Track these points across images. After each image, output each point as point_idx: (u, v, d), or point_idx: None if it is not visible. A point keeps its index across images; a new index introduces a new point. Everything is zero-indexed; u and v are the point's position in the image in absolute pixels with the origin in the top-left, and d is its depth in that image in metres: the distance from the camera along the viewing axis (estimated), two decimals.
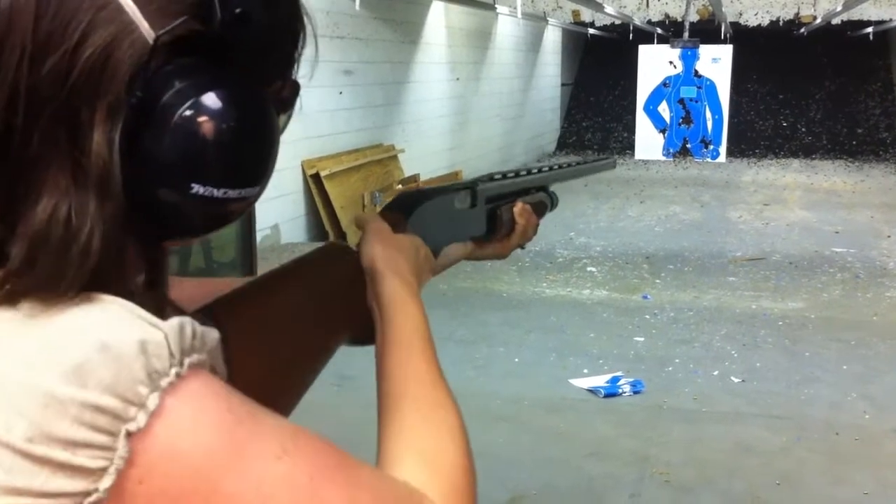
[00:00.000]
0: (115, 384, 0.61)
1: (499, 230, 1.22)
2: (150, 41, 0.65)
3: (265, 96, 0.71)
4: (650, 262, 8.42)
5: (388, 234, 0.99)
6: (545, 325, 6.38)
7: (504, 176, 1.24)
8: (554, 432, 4.52)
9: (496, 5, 12.81)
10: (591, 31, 17.81)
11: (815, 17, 15.69)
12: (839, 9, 12.98)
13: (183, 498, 0.63)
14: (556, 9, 16.04)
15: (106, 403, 0.61)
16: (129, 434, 0.62)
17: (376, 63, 10.07)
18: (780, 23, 16.42)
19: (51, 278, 0.63)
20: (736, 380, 5.28)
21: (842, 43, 18.32)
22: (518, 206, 1.24)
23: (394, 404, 0.85)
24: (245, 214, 0.76)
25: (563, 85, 19.81)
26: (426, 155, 11.43)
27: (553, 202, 1.35)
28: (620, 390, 5.06)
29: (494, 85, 14.74)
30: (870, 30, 16.24)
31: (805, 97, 19.42)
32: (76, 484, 0.61)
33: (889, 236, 9.71)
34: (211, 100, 0.66)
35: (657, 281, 7.73)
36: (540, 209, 1.30)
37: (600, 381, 5.19)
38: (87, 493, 0.62)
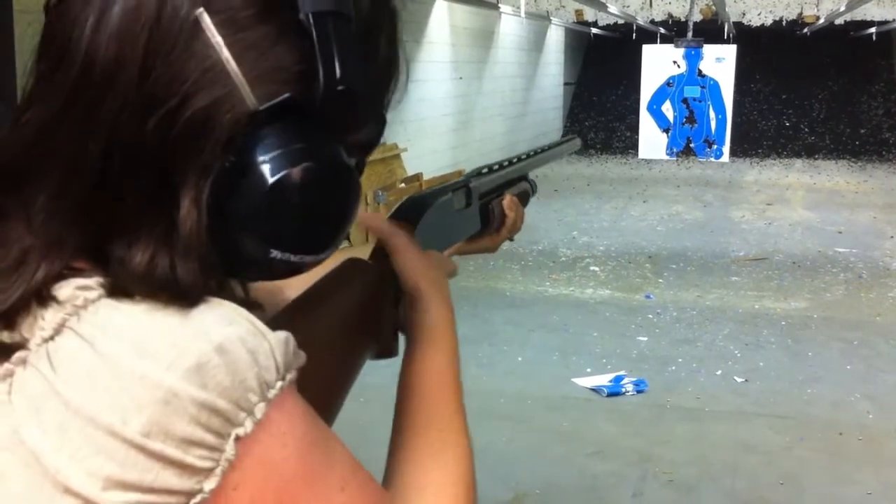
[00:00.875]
0: (231, 388, 0.63)
1: (491, 225, 1.22)
2: (252, 107, 0.65)
3: (353, 169, 0.71)
4: (653, 262, 8.42)
5: (420, 249, 0.98)
6: (548, 323, 6.38)
7: (490, 169, 1.23)
8: (557, 431, 4.53)
9: (499, 4, 12.81)
10: (595, 30, 17.81)
11: (818, 17, 15.69)
12: (842, 9, 12.98)
13: None
14: (560, 8, 16.04)
15: (221, 406, 0.63)
16: (237, 438, 0.63)
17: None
18: (784, 23, 16.42)
19: (157, 297, 0.65)
20: (739, 379, 5.28)
21: (845, 43, 18.30)
22: (507, 199, 1.24)
23: (419, 440, 0.85)
24: None
25: (565, 84, 19.81)
26: (429, 154, 11.43)
27: (534, 189, 1.35)
28: (623, 389, 5.06)
29: (497, 84, 14.75)
30: (873, 30, 16.22)
31: (808, 97, 19.41)
32: (184, 482, 0.62)
33: (892, 237, 9.71)
34: (300, 174, 0.66)
35: (660, 280, 7.73)
36: (524, 198, 1.30)
37: (603, 380, 5.20)
38: (192, 494, 0.63)
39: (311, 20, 0.67)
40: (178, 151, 0.65)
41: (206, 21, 0.65)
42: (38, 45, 0.68)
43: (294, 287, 0.92)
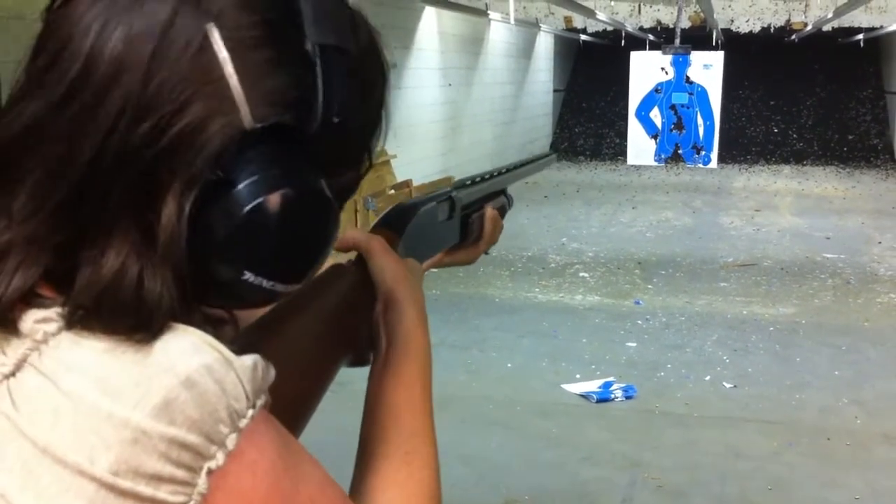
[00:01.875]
0: (200, 421, 0.63)
1: (470, 237, 1.23)
2: (247, 125, 0.66)
3: (334, 201, 0.72)
4: (642, 268, 8.44)
5: (397, 256, 0.97)
6: (537, 330, 6.39)
7: (473, 181, 1.24)
8: (546, 437, 4.53)
9: (488, 11, 12.83)
10: (584, 37, 17.85)
11: (806, 24, 15.75)
12: (830, 16, 13.03)
13: None
14: (549, 15, 16.07)
15: (192, 441, 0.62)
16: (209, 471, 0.63)
17: (392, 66, 10.05)
18: (772, 29, 16.48)
19: (118, 326, 0.64)
20: (728, 385, 5.29)
21: (833, 50, 18.38)
22: (488, 212, 1.24)
23: (385, 448, 0.85)
24: None
25: (555, 91, 19.84)
26: (418, 160, 11.43)
27: (510, 203, 1.36)
28: (612, 395, 5.07)
29: (487, 91, 14.76)
30: (860, 37, 16.30)
31: (796, 104, 19.48)
32: None
33: (880, 242, 9.75)
34: (284, 198, 0.67)
35: (649, 286, 7.75)
36: (501, 212, 1.31)
37: (592, 386, 5.20)
38: None
39: (317, 50, 0.69)
40: (168, 158, 0.65)
41: (215, 36, 0.66)
42: (35, 44, 0.68)
43: None
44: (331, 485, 0.72)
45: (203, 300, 0.70)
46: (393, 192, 9.35)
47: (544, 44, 18.45)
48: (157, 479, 0.61)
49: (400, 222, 1.05)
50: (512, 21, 12.87)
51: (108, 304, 0.64)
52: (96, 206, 0.65)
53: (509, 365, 5.62)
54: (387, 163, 10.37)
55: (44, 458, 0.60)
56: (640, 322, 6.62)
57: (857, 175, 16.35)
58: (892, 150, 18.07)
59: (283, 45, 0.68)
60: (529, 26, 15.78)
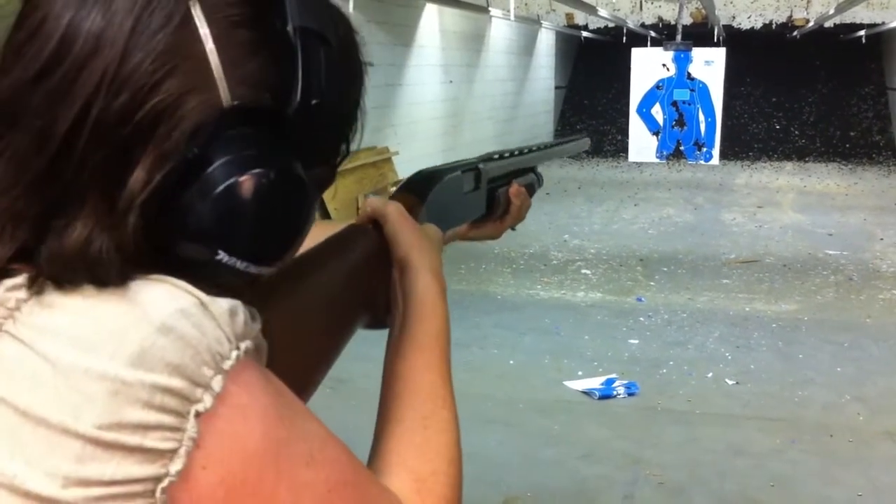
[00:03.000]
0: (181, 365, 0.62)
1: (496, 211, 1.22)
2: (224, 104, 0.66)
3: (311, 185, 0.71)
4: (644, 265, 8.43)
5: (414, 222, 0.97)
6: (539, 327, 6.38)
7: (501, 156, 1.23)
8: (548, 434, 4.52)
9: (490, 8, 12.82)
10: (585, 33, 17.83)
11: (807, 21, 15.73)
12: (831, 12, 13.02)
13: (235, 487, 0.64)
14: (550, 11, 16.05)
15: (174, 384, 0.62)
16: (197, 414, 0.62)
17: (369, 66, 10.05)
18: (773, 26, 16.46)
19: (83, 288, 0.64)
20: (730, 382, 5.28)
21: (834, 46, 18.36)
22: (514, 188, 1.24)
23: (402, 412, 0.84)
24: None
25: (556, 87, 19.83)
26: (420, 157, 11.43)
27: (540, 182, 1.35)
28: (614, 392, 5.06)
29: (488, 87, 14.75)
30: (862, 33, 16.27)
31: (798, 100, 19.46)
32: (147, 469, 0.61)
33: (882, 239, 9.73)
34: (259, 179, 0.66)
35: (651, 283, 7.74)
36: (530, 190, 1.30)
37: (594, 383, 5.20)
38: (159, 479, 0.62)
39: (299, 34, 0.69)
40: (144, 133, 0.64)
41: (197, 11, 0.66)
42: (17, 19, 0.68)
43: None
44: (332, 441, 0.71)
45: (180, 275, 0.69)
46: (394, 189, 9.35)
47: (545, 40, 18.43)
48: (143, 427, 0.61)
49: (423, 188, 1.04)
50: (513, 18, 12.86)
51: (71, 271, 0.63)
52: (71, 179, 0.64)
53: (511, 362, 5.61)
54: (388, 160, 10.37)
55: (27, 422, 0.60)
56: (642, 319, 6.61)
57: (859, 171, 16.33)
58: (895, 146, 18.06)
59: (265, 27, 0.69)
60: (531, 23, 15.77)
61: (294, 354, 0.71)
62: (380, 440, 0.82)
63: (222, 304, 0.65)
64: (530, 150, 1.30)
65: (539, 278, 7.85)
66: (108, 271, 0.64)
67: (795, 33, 16.68)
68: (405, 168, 10.52)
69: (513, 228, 1.28)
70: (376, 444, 0.82)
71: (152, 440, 0.61)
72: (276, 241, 0.70)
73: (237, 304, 0.66)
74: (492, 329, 6.25)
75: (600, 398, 4.99)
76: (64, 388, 0.60)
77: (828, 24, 15.47)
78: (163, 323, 0.62)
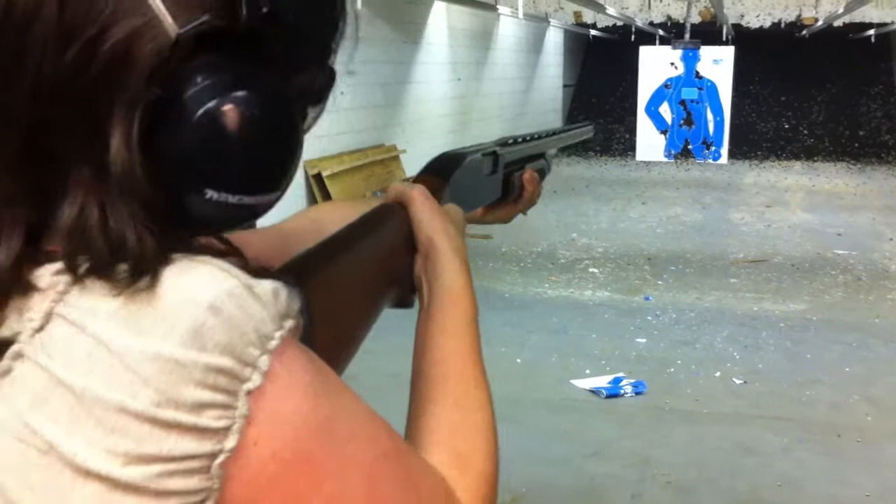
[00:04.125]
0: (230, 345, 0.62)
1: (510, 196, 1.23)
2: (172, 35, 0.63)
3: (290, 99, 0.69)
4: (652, 264, 8.42)
5: (438, 204, 0.97)
6: (547, 325, 6.37)
7: (514, 140, 1.24)
8: (555, 433, 4.52)
9: (498, 6, 12.81)
10: (593, 32, 17.81)
11: (816, 20, 15.69)
12: (841, 11, 12.98)
13: (286, 462, 0.64)
14: (558, 10, 16.04)
15: (225, 364, 0.62)
16: (248, 393, 0.63)
17: (378, 63, 10.06)
18: (782, 25, 16.42)
19: (104, 272, 0.63)
20: (738, 381, 5.28)
21: (844, 45, 18.29)
22: (528, 174, 1.25)
23: (436, 394, 0.84)
24: None
25: (564, 86, 19.81)
26: (427, 155, 11.26)
27: (549, 167, 1.36)
28: (622, 391, 5.06)
29: (496, 86, 14.74)
30: (871, 32, 16.23)
31: (807, 99, 19.41)
32: (203, 446, 0.62)
33: (891, 239, 9.70)
34: (230, 103, 0.64)
35: (659, 282, 7.73)
36: (541, 175, 1.31)
37: (602, 381, 5.19)
38: (214, 455, 0.62)
39: None
40: (101, 86, 0.63)
41: None
42: None
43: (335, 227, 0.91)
44: (372, 416, 0.71)
45: (178, 229, 0.67)
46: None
47: (554, 39, 18.42)
48: (199, 406, 0.61)
49: (447, 169, 1.05)
50: (521, 16, 12.85)
51: (82, 250, 0.63)
52: (46, 149, 0.64)
53: (518, 360, 5.61)
54: (396, 158, 10.37)
55: (85, 403, 0.61)
56: (649, 318, 6.60)
57: (868, 171, 16.28)
58: None
59: None
60: (539, 21, 15.75)
61: (327, 332, 0.71)
62: (415, 421, 0.82)
63: (266, 286, 0.65)
64: (540, 136, 1.32)
65: (547, 277, 7.84)
66: (138, 258, 0.63)
67: (804, 32, 16.64)
68: (413, 166, 10.52)
69: (524, 213, 1.29)
70: (412, 426, 0.82)
71: (207, 418, 0.62)
72: (262, 165, 0.68)
73: (279, 284, 0.66)
74: (499, 327, 6.24)
75: (607, 397, 4.99)
76: (119, 368, 0.61)
77: (837, 22, 15.42)
78: (211, 304, 0.62)
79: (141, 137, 0.63)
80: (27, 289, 0.63)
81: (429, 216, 0.94)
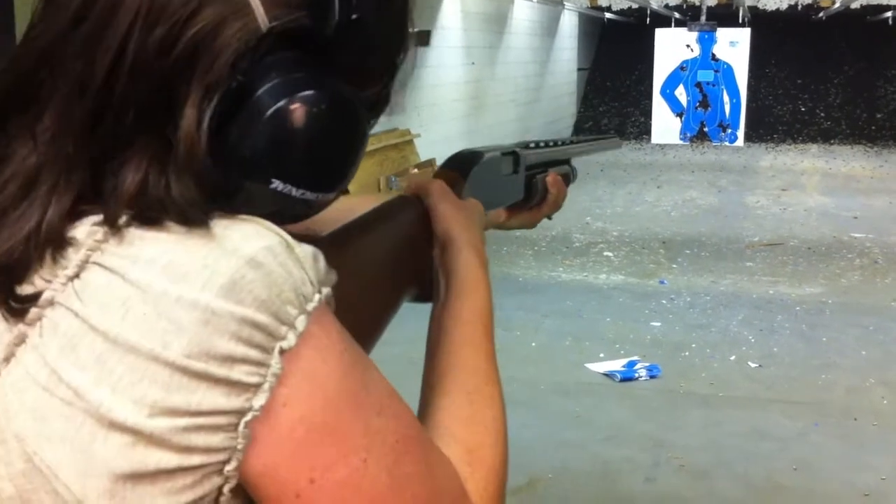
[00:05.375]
0: (269, 301, 0.62)
1: (533, 199, 1.22)
2: (263, 28, 0.65)
3: (361, 104, 0.71)
4: (667, 247, 8.39)
5: (456, 198, 0.97)
6: (561, 309, 6.37)
7: (537, 145, 1.23)
8: (570, 416, 4.52)
9: None
10: (608, 15, 17.74)
11: (833, 2, 15.58)
12: None
13: (314, 426, 0.64)
14: None
15: (262, 320, 0.62)
16: (281, 351, 0.63)
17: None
18: (799, 7, 16.33)
19: (149, 222, 0.64)
20: (753, 365, 5.26)
21: (861, 27, 18.16)
22: (551, 177, 1.24)
23: (447, 387, 0.83)
24: None
25: (579, 69, 19.72)
26: (441, 140, 11.41)
27: (574, 176, 1.35)
28: (637, 375, 5.05)
29: (510, 69, 14.70)
30: (889, 14, 16.10)
31: (824, 82, 19.27)
32: (232, 401, 0.62)
33: None
34: (308, 100, 0.66)
35: (674, 266, 7.71)
36: (566, 181, 1.30)
37: (616, 365, 5.19)
38: (242, 412, 0.62)
39: None
40: (183, 67, 0.64)
41: None
42: None
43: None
44: (397, 396, 0.71)
45: (235, 214, 0.69)
46: (416, 171, 9.34)
47: (568, 22, 18.34)
48: (231, 359, 0.61)
49: (465, 165, 1.05)
50: None
51: (140, 210, 0.64)
52: (117, 120, 0.65)
53: (533, 344, 5.61)
54: (410, 142, 10.36)
55: (116, 350, 0.61)
56: (664, 301, 6.59)
57: (885, 154, 16.18)
58: None
59: None
60: (553, 4, 15.69)
61: (349, 318, 0.71)
62: (426, 414, 0.82)
63: (306, 248, 0.66)
64: (564, 143, 1.31)
65: (561, 260, 7.83)
66: (185, 211, 0.64)
67: (821, 14, 16.53)
68: (427, 150, 10.51)
69: (549, 217, 1.28)
70: (424, 416, 0.82)
71: (238, 373, 0.61)
72: (329, 163, 0.70)
73: (317, 250, 0.67)
74: (514, 311, 6.24)
75: (622, 381, 4.98)
76: (154, 315, 0.61)
77: (854, 4, 15.32)
78: (252, 258, 0.62)
79: (214, 120, 0.64)
80: (63, 242, 0.64)
81: (446, 208, 0.94)
